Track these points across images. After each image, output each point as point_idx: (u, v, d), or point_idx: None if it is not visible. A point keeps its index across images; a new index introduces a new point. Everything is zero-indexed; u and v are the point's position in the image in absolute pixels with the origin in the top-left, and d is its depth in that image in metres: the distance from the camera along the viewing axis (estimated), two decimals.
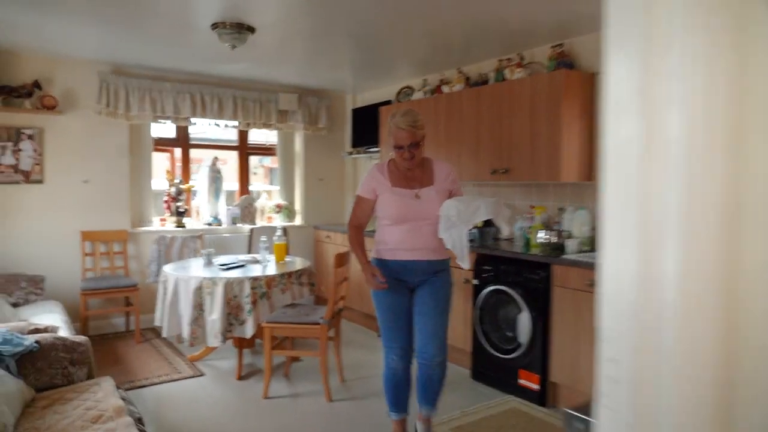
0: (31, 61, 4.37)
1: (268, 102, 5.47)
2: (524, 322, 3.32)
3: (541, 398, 3.28)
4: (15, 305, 3.70)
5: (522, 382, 3.38)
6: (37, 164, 4.43)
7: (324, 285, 5.50)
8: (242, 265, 3.87)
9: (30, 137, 4.39)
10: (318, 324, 3.30)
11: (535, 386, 3.30)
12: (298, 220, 5.95)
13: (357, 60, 4.55)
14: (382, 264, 2.61)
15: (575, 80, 3.51)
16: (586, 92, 3.57)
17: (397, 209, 2.52)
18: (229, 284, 3.44)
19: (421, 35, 3.77)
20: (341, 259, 3.37)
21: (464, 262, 2.47)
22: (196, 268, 3.80)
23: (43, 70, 4.41)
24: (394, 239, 2.57)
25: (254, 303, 3.47)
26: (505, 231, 2.54)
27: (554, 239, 3.56)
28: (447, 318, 2.65)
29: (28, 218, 4.42)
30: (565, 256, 3.23)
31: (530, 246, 3.74)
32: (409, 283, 2.62)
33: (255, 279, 3.51)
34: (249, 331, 3.45)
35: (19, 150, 4.36)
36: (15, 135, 4.34)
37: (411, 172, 2.57)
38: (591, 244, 3.49)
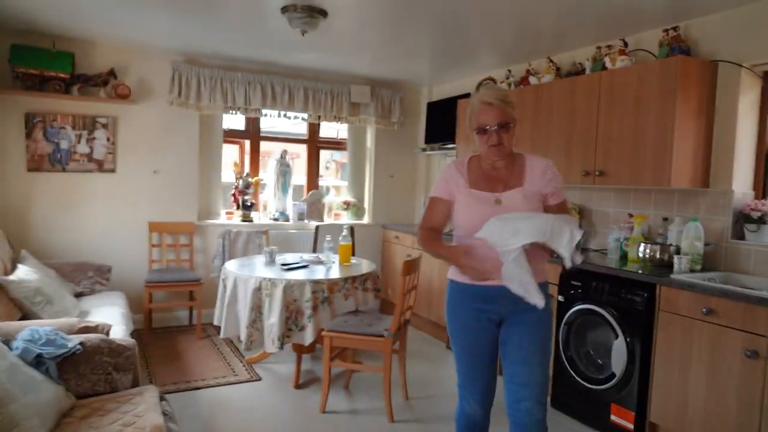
0: (107, 50, 4.36)
1: (340, 94, 5.24)
2: (619, 349, 2.85)
3: None
4: (80, 294, 3.67)
5: (614, 418, 2.91)
6: (110, 153, 4.43)
7: (390, 288, 5.21)
8: (305, 266, 3.64)
9: (104, 126, 4.39)
10: (382, 336, 3.00)
11: (630, 425, 2.83)
12: (366, 219, 5.69)
13: (435, 48, 4.19)
14: (459, 290, 2.06)
15: (693, 69, 2.97)
16: (705, 83, 3.03)
17: (471, 217, 1.95)
18: (289, 286, 3.21)
19: (507, 19, 3.35)
20: (410, 267, 3.05)
21: (533, 298, 1.81)
22: (257, 267, 3.61)
23: (118, 60, 4.39)
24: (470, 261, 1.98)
25: (315, 308, 3.23)
26: (566, 261, 1.78)
27: (659, 255, 3.05)
28: (547, 364, 2.04)
29: (98, 207, 4.43)
30: (674, 276, 2.73)
31: (628, 260, 3.24)
32: (493, 315, 2.01)
33: (317, 282, 3.26)
34: (308, 337, 3.20)
35: (94, 138, 4.37)
36: (90, 124, 4.35)
37: (496, 170, 2.01)
38: (703, 262, 2.96)
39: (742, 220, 2.97)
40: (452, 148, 5.03)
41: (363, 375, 3.65)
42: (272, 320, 3.19)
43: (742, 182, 3.04)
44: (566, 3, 3.02)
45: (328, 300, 3.29)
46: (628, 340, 2.82)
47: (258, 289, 3.23)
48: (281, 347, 3.19)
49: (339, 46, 4.16)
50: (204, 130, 4.86)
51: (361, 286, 3.53)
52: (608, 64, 3.37)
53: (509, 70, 4.39)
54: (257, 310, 3.25)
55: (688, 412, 2.59)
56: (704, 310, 2.51)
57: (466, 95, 4.88)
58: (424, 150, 5.47)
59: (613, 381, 2.88)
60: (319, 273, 3.46)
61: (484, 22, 3.44)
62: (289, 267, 3.56)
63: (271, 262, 3.74)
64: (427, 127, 5.49)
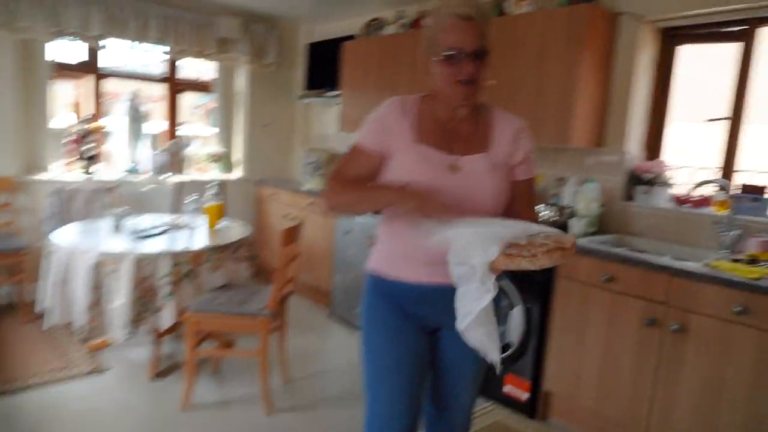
0: None
1: (206, 26, 4.45)
2: (517, 319, 2.70)
3: (530, 409, 2.71)
4: None
5: (508, 389, 2.78)
6: None
7: (268, 251, 4.71)
8: (163, 232, 3.02)
9: None
10: (258, 316, 2.55)
11: (525, 394, 2.72)
12: (237, 173, 5.06)
13: None
14: (382, 287, 1.52)
15: (599, 20, 2.78)
16: (607, 37, 2.86)
17: (417, 186, 1.40)
18: (140, 261, 2.60)
19: None
20: (291, 235, 2.60)
21: (492, 352, 1.29)
22: (101, 235, 2.91)
23: None
24: (407, 243, 1.44)
25: (175, 285, 2.66)
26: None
27: (555, 216, 2.92)
28: (480, 382, 1.63)
29: None
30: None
31: None
32: (427, 323, 1.53)
33: (177, 254, 2.69)
34: (166, 320, 2.64)
35: None
36: None
37: (455, 122, 1.46)
38: (599, 224, 2.88)
39: (634, 181, 2.92)
40: (336, 95, 4.55)
41: (237, 357, 3.19)
42: (119, 302, 2.57)
43: (634, 143, 2.97)
44: None
45: (193, 274, 2.74)
46: (526, 309, 2.67)
47: (98, 266, 2.58)
48: (131, 333, 2.61)
49: None
50: (25, 60, 3.85)
51: (233, 254, 3.01)
52: (508, 9, 3.09)
53: (400, 11, 3.97)
54: (97, 290, 2.61)
55: (582, 379, 2.51)
56: (604, 277, 2.40)
57: (351, 37, 4.39)
58: (303, 97, 4.91)
59: (509, 351, 2.74)
60: (180, 241, 2.87)
61: None
62: (142, 234, 2.92)
63: (119, 227, 3.06)
64: (308, 71, 4.92)
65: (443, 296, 1.37)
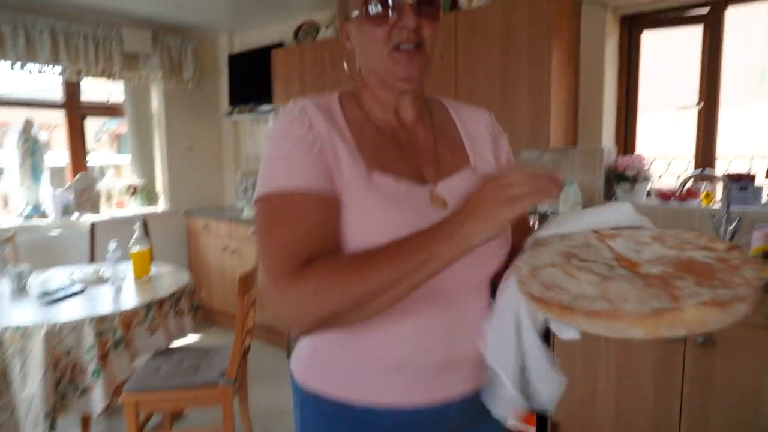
0: None
1: (108, 40, 3.86)
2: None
3: None
4: None
5: (511, 423, 2.48)
6: None
7: (206, 291, 4.16)
8: (80, 291, 2.46)
9: None
10: (217, 385, 2.08)
11: (530, 429, 2.43)
12: (161, 206, 4.46)
13: None
14: (340, 420, 0.90)
15: (564, 10, 2.56)
16: (571, 28, 2.66)
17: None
18: (54, 334, 2.05)
19: None
20: (248, 282, 2.15)
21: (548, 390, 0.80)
22: None
23: None
24: (396, 341, 0.85)
25: (104, 358, 2.13)
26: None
27: (537, 223, 2.66)
28: None
29: None
30: None
31: None
32: None
33: (102, 319, 2.15)
34: (98, 403, 2.10)
35: None
36: None
37: (403, 125, 0.94)
38: None
39: (615, 179, 2.72)
40: (269, 111, 4.10)
41: (191, 420, 2.67)
42: (30, 390, 2.01)
43: (608, 138, 2.78)
44: None
45: (125, 341, 2.21)
46: None
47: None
48: (52, 427, 2.05)
49: None
50: None
51: (173, 308, 2.50)
52: (463, 3, 2.81)
53: (336, 13, 3.60)
54: (1, 377, 2.03)
55: (596, 406, 2.25)
56: None
57: (280, 45, 3.97)
58: (229, 114, 4.42)
59: None
60: (104, 301, 2.33)
61: None
62: (54, 297, 2.35)
63: (20, 289, 2.46)
64: (232, 85, 4.43)
65: (452, 417, 0.89)
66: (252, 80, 4.21)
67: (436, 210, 0.85)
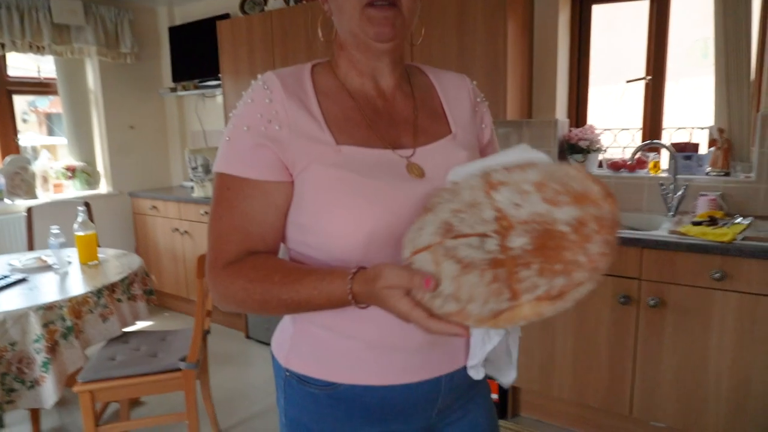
0: None
1: (35, 10, 3.57)
2: None
3: (500, 409, 2.50)
4: None
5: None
6: None
7: (155, 274, 4.01)
8: (21, 280, 2.30)
9: None
10: (179, 370, 2.01)
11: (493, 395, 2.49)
12: (104, 187, 4.23)
13: None
14: (335, 401, 0.87)
15: None
16: (526, 2, 2.66)
17: (361, 218, 0.79)
18: None
19: None
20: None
21: (508, 375, 0.85)
22: None
23: None
24: (377, 323, 0.82)
25: (52, 349, 2.01)
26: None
27: None
28: None
29: None
30: None
31: None
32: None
33: (49, 308, 2.03)
34: (49, 397, 1.98)
35: None
36: None
37: (381, 93, 0.90)
38: None
39: (568, 150, 2.79)
40: (215, 86, 3.94)
41: (148, 407, 2.59)
42: None
43: (561, 110, 2.84)
44: None
45: (76, 330, 2.10)
46: None
47: None
48: (0, 424, 1.93)
49: None
50: None
51: (126, 294, 2.38)
52: None
53: None
54: None
55: (555, 370, 2.34)
56: None
57: (226, 16, 3.80)
58: (173, 90, 4.21)
59: None
60: (49, 289, 2.20)
61: None
62: None
63: None
64: (174, 59, 4.21)
65: (436, 394, 0.90)
66: (196, 54, 4.02)
67: (413, 179, 0.83)
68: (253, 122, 0.81)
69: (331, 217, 0.79)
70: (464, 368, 0.88)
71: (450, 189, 0.79)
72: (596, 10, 2.81)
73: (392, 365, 0.86)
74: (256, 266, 0.80)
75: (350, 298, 0.72)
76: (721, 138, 2.43)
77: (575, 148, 2.73)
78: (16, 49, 3.56)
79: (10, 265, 2.52)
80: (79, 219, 2.52)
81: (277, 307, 0.79)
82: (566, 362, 2.30)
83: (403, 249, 0.73)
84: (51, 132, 4.64)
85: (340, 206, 0.79)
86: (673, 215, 2.40)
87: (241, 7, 3.66)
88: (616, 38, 2.90)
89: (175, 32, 4.17)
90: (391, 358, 0.85)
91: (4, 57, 3.74)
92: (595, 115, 2.92)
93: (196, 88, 4.05)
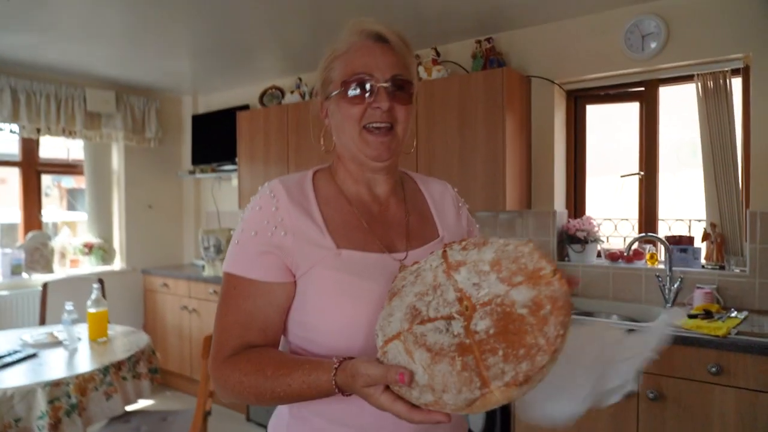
0: None
1: (71, 99, 3.87)
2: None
3: None
4: None
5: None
6: None
7: (162, 352, 4.02)
8: (31, 356, 2.36)
9: None
10: None
11: None
12: (117, 264, 4.35)
13: (200, 44, 3.27)
14: None
15: (515, 83, 2.78)
16: (524, 99, 2.87)
17: (355, 314, 0.88)
18: (4, 401, 1.96)
19: (294, 15, 2.72)
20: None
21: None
22: None
23: None
24: (365, 409, 0.80)
25: (55, 427, 2.03)
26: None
27: None
28: None
29: None
30: None
31: None
32: None
33: (56, 384, 2.07)
34: None
35: None
36: None
37: (377, 200, 1.01)
38: None
39: (567, 240, 2.88)
40: (231, 170, 4.15)
41: None
42: None
43: (559, 202, 2.96)
44: (368, 4, 2.55)
45: (80, 407, 2.13)
46: None
47: None
48: None
49: (66, 29, 2.94)
50: None
51: (132, 372, 2.43)
52: (423, 75, 3.00)
53: (300, 79, 3.76)
54: None
55: None
56: None
57: (245, 107, 4.09)
58: (192, 173, 4.44)
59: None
60: (56, 366, 2.25)
61: (266, 15, 2.73)
62: (1, 362, 2.24)
63: None
64: (194, 144, 4.47)
65: None
66: (215, 140, 4.27)
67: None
68: (260, 228, 0.91)
69: (332, 317, 0.88)
70: None
71: (413, 270, 0.85)
72: (590, 108, 3.01)
73: None
74: (251, 359, 0.87)
75: (336, 391, 0.78)
76: (713, 232, 2.51)
77: (573, 239, 2.82)
78: (50, 134, 3.82)
79: (22, 339, 2.59)
80: (93, 296, 2.61)
81: (272, 400, 0.85)
82: None
83: (375, 337, 0.79)
84: (71, 206, 4.85)
85: (340, 307, 0.88)
86: (671, 307, 2.44)
87: (261, 99, 3.94)
88: (611, 134, 3.08)
89: (197, 120, 4.47)
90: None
91: (38, 140, 4.01)
92: (594, 206, 3.04)
93: (214, 171, 4.27)
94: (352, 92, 0.92)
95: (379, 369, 0.73)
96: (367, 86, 0.92)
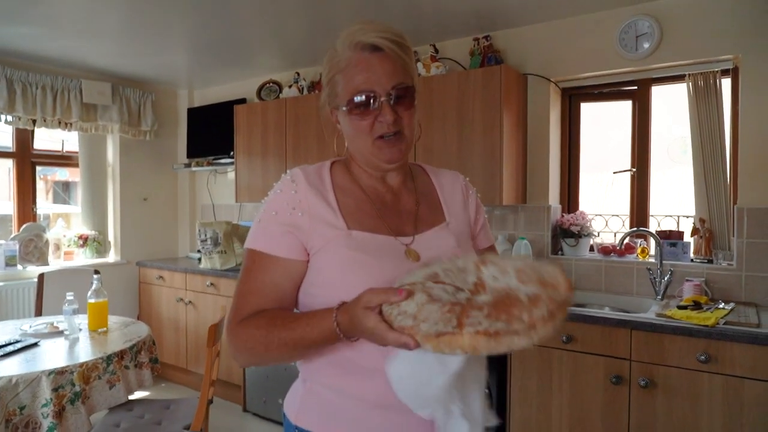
0: None
1: (66, 91, 3.86)
2: None
3: None
4: None
5: None
6: None
7: (158, 343, 4.03)
8: (32, 345, 2.37)
9: None
10: None
11: None
12: (112, 256, 4.35)
13: (196, 38, 3.29)
14: None
15: (512, 80, 2.84)
16: (520, 96, 2.93)
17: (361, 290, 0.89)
18: (9, 389, 1.98)
19: (294, 10, 2.75)
20: (217, 333, 2.16)
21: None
22: None
23: None
24: (377, 383, 0.92)
25: (59, 414, 2.06)
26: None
27: None
28: None
29: None
30: None
31: None
32: None
33: (60, 373, 2.09)
34: None
35: None
36: None
37: (389, 190, 1.09)
38: None
39: (561, 234, 2.95)
40: (227, 164, 4.17)
41: None
42: None
43: (554, 196, 3.03)
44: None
45: (83, 395, 2.15)
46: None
47: None
48: None
49: (63, 21, 2.95)
50: None
51: (133, 361, 2.45)
52: (422, 71, 3.05)
53: (298, 73, 3.79)
54: None
55: None
56: (564, 338, 2.31)
57: (242, 101, 4.10)
58: (187, 166, 4.44)
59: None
60: (58, 355, 2.27)
61: (263, 9, 2.76)
62: (3, 351, 2.26)
63: None
64: (190, 137, 4.48)
65: None
66: (211, 133, 4.28)
67: (410, 262, 1.00)
68: (280, 208, 1.00)
69: (340, 291, 0.92)
70: None
71: (450, 259, 0.93)
72: (584, 106, 3.08)
73: (394, 424, 0.96)
74: (264, 315, 0.96)
75: (336, 327, 0.85)
76: (702, 227, 2.60)
77: (567, 233, 2.89)
78: (46, 125, 3.81)
79: (21, 330, 2.60)
80: (93, 286, 2.63)
81: (279, 348, 0.91)
82: None
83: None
84: (58, 199, 4.81)
85: (347, 281, 0.95)
86: (661, 299, 2.52)
87: (258, 93, 3.96)
88: (604, 131, 3.15)
89: (193, 113, 4.47)
90: (394, 417, 0.95)
91: (32, 132, 3.99)
92: (586, 201, 3.11)
93: (209, 164, 4.29)
94: (357, 109, 0.99)
95: (382, 288, 0.81)
96: (371, 102, 0.98)
